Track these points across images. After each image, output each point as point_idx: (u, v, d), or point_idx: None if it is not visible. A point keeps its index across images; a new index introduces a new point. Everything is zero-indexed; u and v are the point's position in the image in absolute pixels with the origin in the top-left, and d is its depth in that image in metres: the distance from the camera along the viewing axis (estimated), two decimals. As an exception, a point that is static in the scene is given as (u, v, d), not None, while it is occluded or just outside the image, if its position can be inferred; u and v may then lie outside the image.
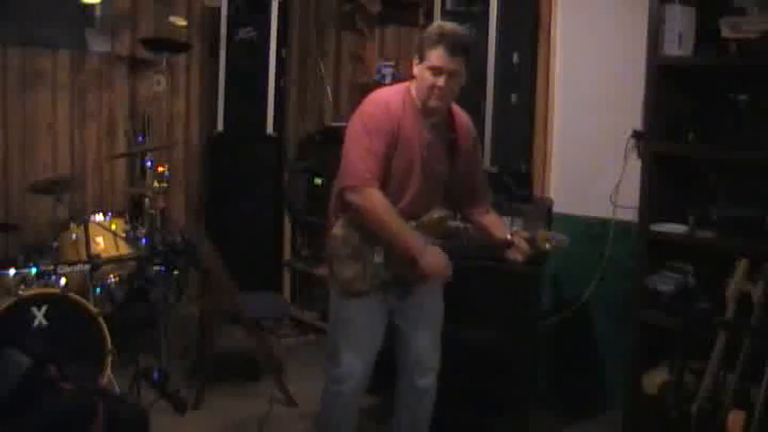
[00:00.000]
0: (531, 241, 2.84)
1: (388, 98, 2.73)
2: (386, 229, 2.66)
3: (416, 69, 2.70)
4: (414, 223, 2.76)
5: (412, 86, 2.75)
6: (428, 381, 3.00)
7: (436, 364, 3.01)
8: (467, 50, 2.64)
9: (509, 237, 2.85)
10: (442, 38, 2.61)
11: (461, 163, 2.85)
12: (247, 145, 5.14)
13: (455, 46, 2.61)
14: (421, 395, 3.02)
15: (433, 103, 2.68)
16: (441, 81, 2.63)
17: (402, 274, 2.77)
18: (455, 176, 2.86)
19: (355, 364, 2.85)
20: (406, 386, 3.03)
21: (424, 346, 2.96)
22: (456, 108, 2.87)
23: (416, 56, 2.69)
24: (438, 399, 3.24)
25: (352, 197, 2.66)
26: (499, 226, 2.96)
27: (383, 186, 2.68)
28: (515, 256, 2.83)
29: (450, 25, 2.68)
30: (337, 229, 2.77)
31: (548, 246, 2.87)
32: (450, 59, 2.61)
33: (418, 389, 3.00)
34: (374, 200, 2.64)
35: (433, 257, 2.68)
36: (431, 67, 2.63)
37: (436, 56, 2.61)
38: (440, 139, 2.79)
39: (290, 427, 3.72)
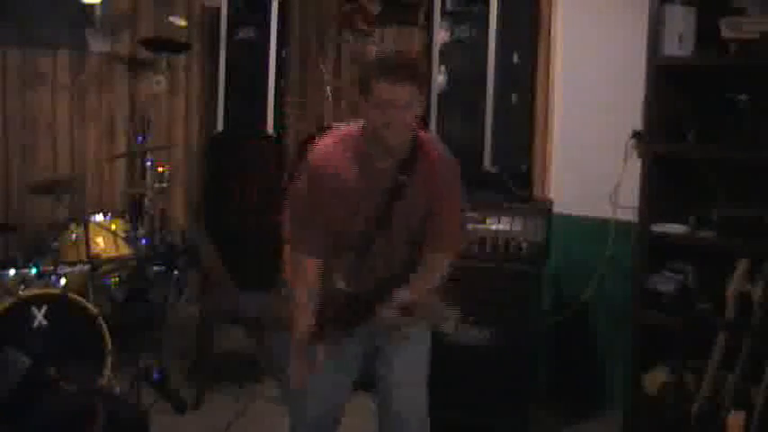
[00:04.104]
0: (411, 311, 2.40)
1: (323, 148, 2.44)
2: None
3: (362, 106, 2.31)
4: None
5: (358, 130, 2.41)
6: None
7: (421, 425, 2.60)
8: (414, 75, 2.26)
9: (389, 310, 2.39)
10: (382, 66, 2.26)
11: (413, 204, 2.41)
12: (247, 145, 5.13)
13: (399, 72, 2.23)
14: None
15: (390, 141, 2.29)
16: (391, 117, 2.23)
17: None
18: (411, 224, 2.46)
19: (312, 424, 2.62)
20: None
21: (407, 398, 2.58)
22: (426, 141, 2.43)
23: (360, 94, 2.30)
24: (438, 399, 3.24)
25: (287, 250, 2.59)
26: (413, 285, 2.44)
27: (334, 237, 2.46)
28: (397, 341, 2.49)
29: (389, 51, 2.45)
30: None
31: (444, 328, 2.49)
32: (396, 89, 2.22)
33: None
34: (291, 261, 2.53)
35: (298, 361, 2.47)
36: (377, 103, 2.24)
37: (380, 89, 2.22)
38: (389, 180, 2.39)
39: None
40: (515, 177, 3.87)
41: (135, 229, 4.47)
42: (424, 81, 2.33)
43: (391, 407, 2.58)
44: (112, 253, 4.20)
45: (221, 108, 5.17)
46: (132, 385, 3.69)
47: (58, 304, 3.58)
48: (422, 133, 2.42)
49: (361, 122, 2.39)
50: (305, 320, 2.47)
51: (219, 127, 5.19)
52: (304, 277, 2.49)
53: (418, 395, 2.61)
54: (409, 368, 2.58)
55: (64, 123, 4.88)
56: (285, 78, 5.30)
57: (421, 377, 2.62)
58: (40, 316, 3.55)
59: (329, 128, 5.08)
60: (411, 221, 2.44)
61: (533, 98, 4.08)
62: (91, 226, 4.06)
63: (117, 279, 4.21)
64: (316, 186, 2.42)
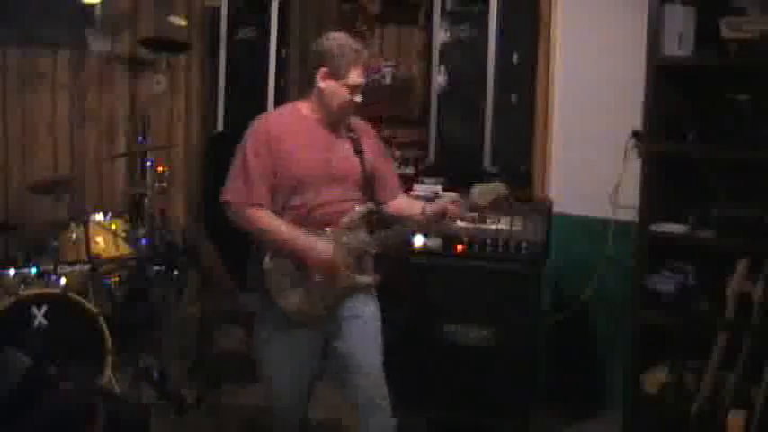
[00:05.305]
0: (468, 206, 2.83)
1: (274, 117, 2.83)
2: (270, 235, 2.73)
3: (328, 84, 2.66)
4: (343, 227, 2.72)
5: (305, 104, 2.76)
6: (384, 423, 2.69)
7: (384, 394, 2.70)
8: None
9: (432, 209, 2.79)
10: (359, 56, 2.66)
11: (369, 159, 2.81)
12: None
13: (365, 62, 2.69)
14: None
15: (346, 115, 2.74)
16: (358, 97, 2.68)
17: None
18: (367, 173, 2.81)
19: (284, 398, 2.85)
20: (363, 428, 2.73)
21: (370, 366, 2.70)
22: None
23: (326, 71, 2.65)
24: (438, 398, 3.24)
25: (230, 215, 2.74)
26: (416, 204, 2.91)
27: (289, 194, 2.69)
28: (452, 213, 2.80)
29: (352, 40, 2.70)
30: (268, 263, 2.76)
31: (483, 202, 2.81)
32: (363, 76, 2.67)
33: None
34: (250, 217, 2.71)
35: (323, 251, 2.64)
36: (351, 85, 2.65)
37: (357, 75, 2.65)
38: (342, 141, 2.77)
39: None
40: (515, 177, 3.87)
41: (135, 229, 4.47)
42: None
43: (350, 378, 2.70)
44: (112, 253, 4.20)
45: (221, 108, 5.17)
46: (132, 385, 3.69)
47: (58, 304, 3.59)
48: None
49: (303, 102, 2.76)
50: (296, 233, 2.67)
51: (219, 127, 5.19)
52: (270, 220, 2.70)
53: (376, 371, 2.71)
54: (363, 339, 2.73)
55: (64, 123, 4.88)
56: (285, 78, 5.30)
57: (377, 350, 2.74)
58: (40, 316, 3.55)
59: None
60: (366, 170, 2.80)
61: (533, 98, 4.08)
62: (91, 226, 4.06)
63: (117, 279, 4.21)
64: (269, 149, 2.68)
